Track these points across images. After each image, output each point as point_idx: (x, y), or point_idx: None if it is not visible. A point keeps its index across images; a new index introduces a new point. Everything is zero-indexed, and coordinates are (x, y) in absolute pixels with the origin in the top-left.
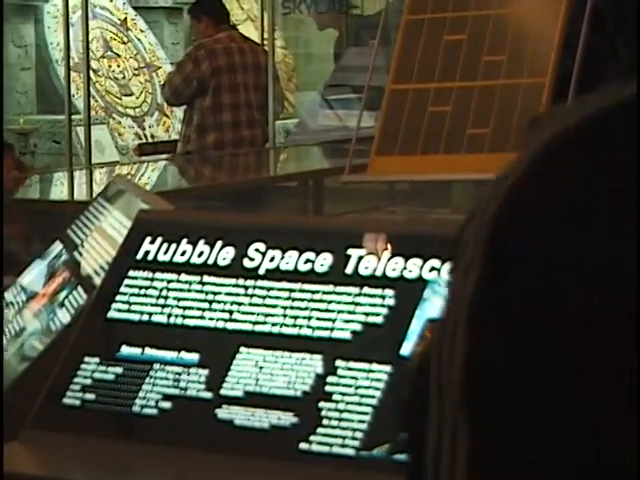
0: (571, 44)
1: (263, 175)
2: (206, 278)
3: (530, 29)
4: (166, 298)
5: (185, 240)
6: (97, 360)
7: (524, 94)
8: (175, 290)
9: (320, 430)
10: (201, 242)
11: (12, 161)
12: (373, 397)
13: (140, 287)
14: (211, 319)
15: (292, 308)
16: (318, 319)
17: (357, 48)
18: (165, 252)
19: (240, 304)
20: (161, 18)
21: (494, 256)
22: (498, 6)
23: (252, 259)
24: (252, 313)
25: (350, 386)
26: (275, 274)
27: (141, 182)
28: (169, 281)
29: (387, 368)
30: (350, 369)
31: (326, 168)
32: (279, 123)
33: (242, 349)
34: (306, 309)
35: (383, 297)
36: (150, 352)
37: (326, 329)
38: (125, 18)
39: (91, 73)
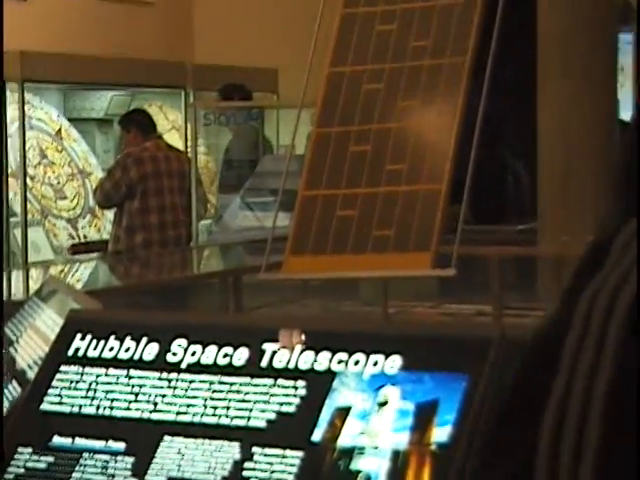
0: (465, 152)
1: (187, 273)
2: (132, 372)
3: (427, 140)
4: (95, 391)
5: (113, 337)
6: (30, 450)
7: (423, 199)
8: (103, 384)
9: None
10: (128, 338)
11: None
12: None
13: (71, 381)
14: (137, 410)
15: (212, 399)
16: (236, 409)
17: (272, 155)
18: (94, 348)
19: (164, 396)
20: (93, 128)
21: None
22: (398, 120)
23: (175, 354)
24: (175, 404)
25: (265, 471)
26: (196, 368)
27: (74, 280)
28: (98, 375)
29: (299, 454)
30: (265, 455)
31: (245, 267)
32: (202, 223)
33: (166, 438)
34: (225, 400)
35: (295, 388)
36: (80, 442)
37: (243, 418)
38: (59, 128)
39: (28, 179)
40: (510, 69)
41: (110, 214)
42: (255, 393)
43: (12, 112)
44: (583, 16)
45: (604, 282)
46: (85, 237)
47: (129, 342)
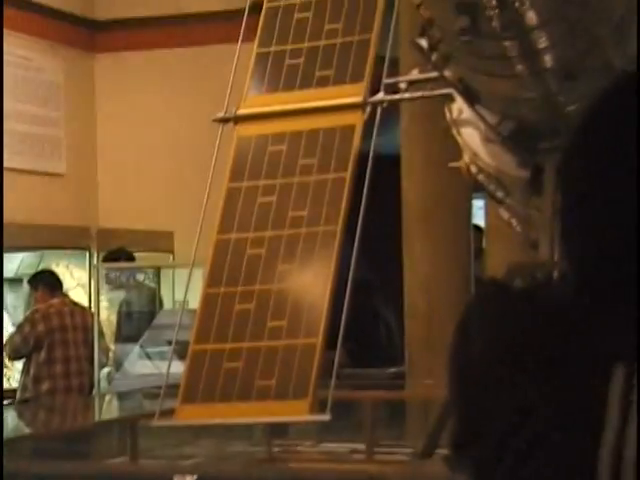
0: (340, 304)
1: (89, 420)
2: None
3: (304, 299)
4: None
5: None
6: None
7: (301, 352)
8: None
9: None
10: None
11: None
12: None
13: None
14: None
15: None
16: None
17: (168, 309)
18: None
19: None
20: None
21: None
22: (279, 281)
23: None
24: None
25: None
26: None
27: None
28: None
29: None
30: None
31: (142, 413)
32: (104, 371)
33: None
34: None
35: None
36: None
37: None
38: None
39: None
40: (379, 231)
41: (19, 364)
42: None
43: None
44: (442, 185)
45: None
46: None
47: None
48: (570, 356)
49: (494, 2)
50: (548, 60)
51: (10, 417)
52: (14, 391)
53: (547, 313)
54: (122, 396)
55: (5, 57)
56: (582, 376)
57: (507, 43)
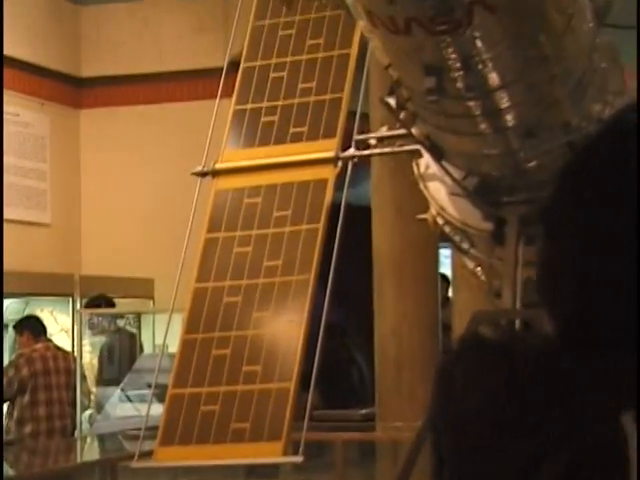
0: (313, 349)
1: (70, 462)
2: None
3: (278, 345)
4: None
5: None
6: None
7: (275, 396)
8: None
9: None
10: None
11: None
12: None
13: None
14: None
15: None
16: None
17: (148, 354)
18: None
19: None
20: None
21: None
22: (254, 328)
23: None
24: None
25: None
26: None
27: None
28: None
29: None
30: None
31: (122, 455)
32: (85, 414)
33: None
34: None
35: None
36: None
37: None
38: None
39: None
40: (351, 279)
41: (4, 407)
42: None
43: None
44: (411, 236)
45: None
46: None
47: None
48: (570, 411)
49: (459, 64)
50: (510, 119)
51: None
52: None
53: (535, 370)
54: (103, 438)
55: None
56: (586, 429)
57: (471, 103)
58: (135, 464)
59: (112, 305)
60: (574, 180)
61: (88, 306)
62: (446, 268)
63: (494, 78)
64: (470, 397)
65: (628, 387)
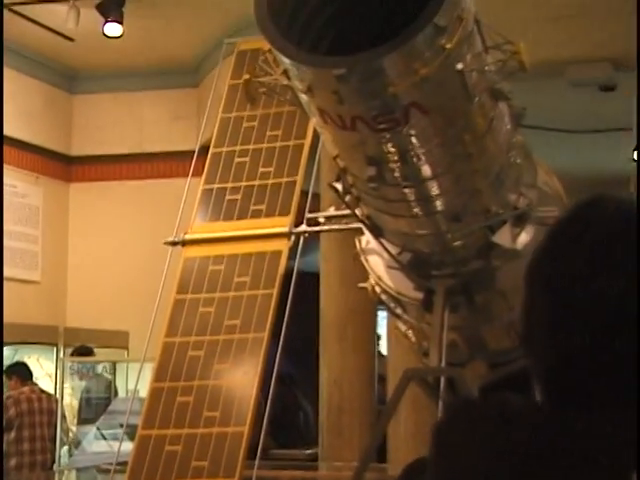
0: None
1: None
2: None
3: (235, 394)
4: None
5: None
6: None
7: (231, 438)
8: None
9: None
10: None
11: None
12: None
13: None
14: None
15: None
16: None
17: (122, 397)
18: None
19: None
20: None
21: None
22: (214, 378)
23: None
24: None
25: None
26: None
27: None
28: None
29: None
30: None
31: None
32: (65, 449)
33: None
34: None
35: None
36: None
37: None
38: None
39: None
40: (300, 336)
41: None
42: None
43: None
44: (353, 300)
45: None
46: None
47: None
48: (576, 466)
49: (396, 157)
50: (439, 205)
51: None
52: None
53: (526, 434)
54: (80, 471)
55: None
56: None
57: (406, 190)
58: None
59: (91, 354)
60: (555, 240)
61: (71, 354)
62: (383, 329)
63: (426, 170)
64: (465, 460)
65: (628, 441)
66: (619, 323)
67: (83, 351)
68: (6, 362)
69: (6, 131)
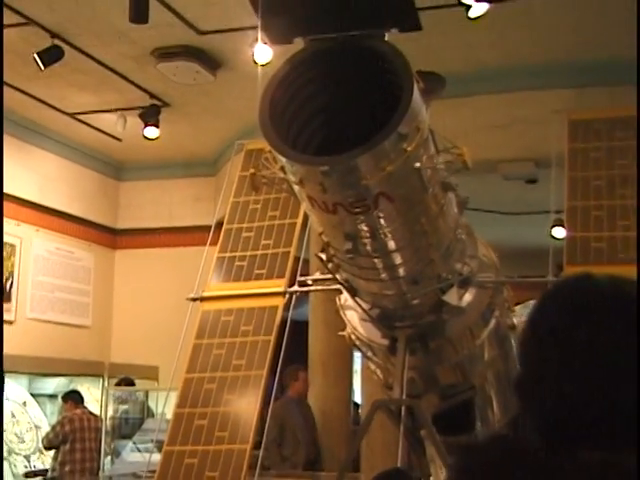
0: (263, 422)
1: None
2: None
3: (240, 418)
4: None
5: None
6: None
7: (237, 453)
8: None
9: None
10: None
11: None
12: None
13: None
14: None
15: None
16: None
17: (152, 419)
18: None
19: None
20: (45, 400)
21: None
22: (224, 406)
23: None
24: None
25: None
26: None
27: None
28: None
29: None
30: None
31: None
32: (107, 459)
33: None
34: None
35: None
36: None
37: None
38: (24, 401)
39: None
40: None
41: (51, 452)
42: None
43: None
44: (335, 344)
45: None
46: (34, 467)
47: None
48: None
49: (368, 234)
50: (401, 271)
51: None
52: (46, 471)
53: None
54: (119, 477)
55: (56, 251)
56: None
57: (376, 260)
58: None
59: (134, 384)
60: (543, 310)
61: (119, 384)
62: (358, 366)
63: (391, 244)
64: None
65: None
66: (603, 371)
67: (128, 382)
68: (64, 389)
69: (67, 209)
